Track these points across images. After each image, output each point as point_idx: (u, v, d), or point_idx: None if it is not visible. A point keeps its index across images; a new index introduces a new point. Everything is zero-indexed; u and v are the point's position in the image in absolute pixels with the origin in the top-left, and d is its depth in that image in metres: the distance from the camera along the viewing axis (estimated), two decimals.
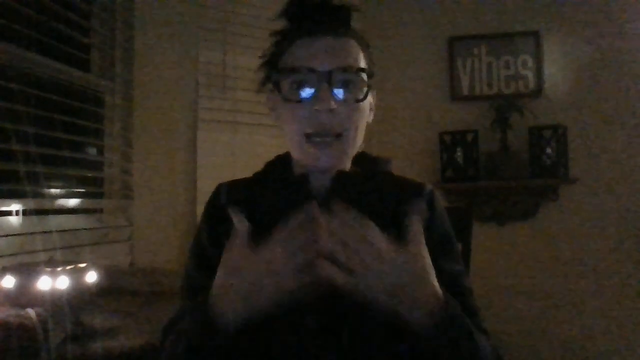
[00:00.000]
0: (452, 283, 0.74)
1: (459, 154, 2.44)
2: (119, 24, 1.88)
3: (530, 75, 2.54)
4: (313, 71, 0.73)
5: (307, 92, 0.74)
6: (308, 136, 0.74)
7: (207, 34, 2.12)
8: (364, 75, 0.76)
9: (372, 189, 0.79)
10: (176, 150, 2.01)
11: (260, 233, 0.72)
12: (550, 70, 2.54)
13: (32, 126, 1.42)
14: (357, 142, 0.78)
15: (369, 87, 0.77)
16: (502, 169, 2.41)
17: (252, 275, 0.62)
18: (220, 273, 0.65)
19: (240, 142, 2.15)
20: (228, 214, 0.74)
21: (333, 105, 0.72)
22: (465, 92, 2.59)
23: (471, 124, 2.51)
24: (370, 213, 0.69)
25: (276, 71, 0.78)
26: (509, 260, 2.48)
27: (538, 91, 2.52)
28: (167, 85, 1.98)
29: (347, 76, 0.74)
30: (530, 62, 2.54)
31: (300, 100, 0.74)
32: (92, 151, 1.84)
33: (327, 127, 0.73)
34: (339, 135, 0.74)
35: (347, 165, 0.81)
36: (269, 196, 0.79)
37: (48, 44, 1.51)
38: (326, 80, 0.72)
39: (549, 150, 2.39)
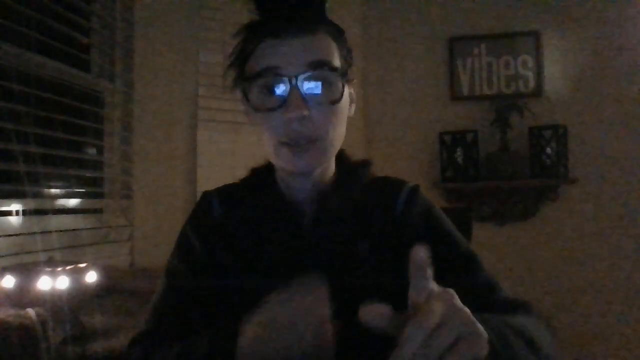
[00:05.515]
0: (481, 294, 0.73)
1: (459, 154, 2.44)
2: (119, 24, 1.88)
3: (530, 75, 2.54)
4: (281, 75, 0.67)
5: (276, 99, 0.68)
6: (283, 144, 0.70)
7: (207, 34, 2.12)
8: (338, 74, 0.70)
9: (355, 202, 0.76)
10: (176, 150, 2.01)
11: (247, 244, 0.75)
12: (550, 70, 2.54)
13: (32, 126, 1.42)
14: (337, 142, 0.74)
15: (344, 84, 0.71)
16: (502, 169, 2.41)
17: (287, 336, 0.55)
18: (259, 321, 0.58)
19: (240, 142, 2.15)
20: (222, 224, 0.77)
21: (305, 112, 0.66)
22: (465, 92, 2.59)
23: (471, 124, 2.51)
24: (358, 226, 0.74)
25: (243, 77, 0.73)
26: (509, 261, 2.48)
27: (538, 91, 2.52)
28: (167, 86, 1.98)
29: (319, 77, 0.68)
30: (530, 62, 2.54)
31: (271, 109, 0.68)
32: (92, 151, 1.84)
33: (302, 134, 0.68)
34: (315, 140, 0.70)
35: (329, 165, 0.77)
36: (254, 207, 0.77)
37: (48, 44, 1.51)
38: (295, 84, 0.66)
39: (549, 150, 2.39)
